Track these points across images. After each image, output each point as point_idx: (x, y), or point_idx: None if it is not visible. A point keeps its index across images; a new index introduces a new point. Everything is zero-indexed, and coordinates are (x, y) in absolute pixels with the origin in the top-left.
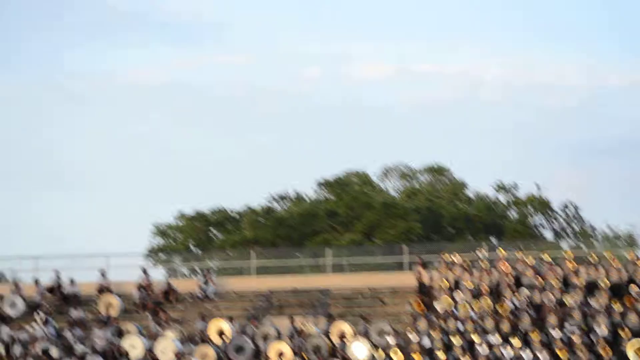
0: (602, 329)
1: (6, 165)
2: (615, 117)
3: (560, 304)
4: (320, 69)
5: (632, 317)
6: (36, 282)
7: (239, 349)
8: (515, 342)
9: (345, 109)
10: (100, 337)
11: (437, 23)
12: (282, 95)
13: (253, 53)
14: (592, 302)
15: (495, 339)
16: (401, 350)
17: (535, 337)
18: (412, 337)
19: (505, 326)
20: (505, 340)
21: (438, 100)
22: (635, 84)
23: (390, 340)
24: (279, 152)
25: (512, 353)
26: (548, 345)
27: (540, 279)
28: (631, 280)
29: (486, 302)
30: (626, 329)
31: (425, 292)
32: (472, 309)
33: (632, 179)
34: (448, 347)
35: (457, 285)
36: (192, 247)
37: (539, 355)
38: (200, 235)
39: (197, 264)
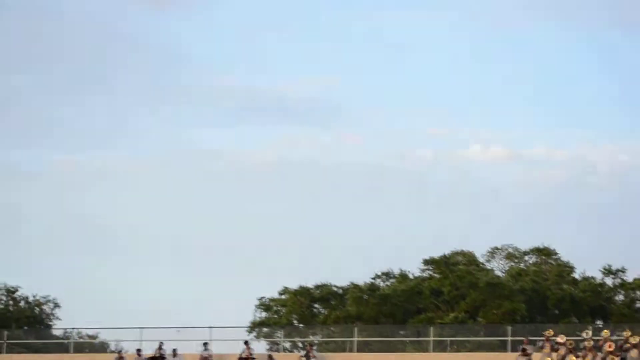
0: None
1: (119, 238)
2: None
3: None
4: (433, 149)
5: None
6: (138, 351)
7: None
8: None
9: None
10: None
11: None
12: (396, 174)
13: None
14: None
15: None
16: None
17: None
18: None
19: None
20: None
21: (548, 183)
22: None
23: None
24: (387, 230)
25: None
26: None
27: None
28: None
29: None
30: None
31: None
32: None
33: None
34: None
35: None
36: (295, 321)
37: None
38: (304, 310)
39: (298, 338)
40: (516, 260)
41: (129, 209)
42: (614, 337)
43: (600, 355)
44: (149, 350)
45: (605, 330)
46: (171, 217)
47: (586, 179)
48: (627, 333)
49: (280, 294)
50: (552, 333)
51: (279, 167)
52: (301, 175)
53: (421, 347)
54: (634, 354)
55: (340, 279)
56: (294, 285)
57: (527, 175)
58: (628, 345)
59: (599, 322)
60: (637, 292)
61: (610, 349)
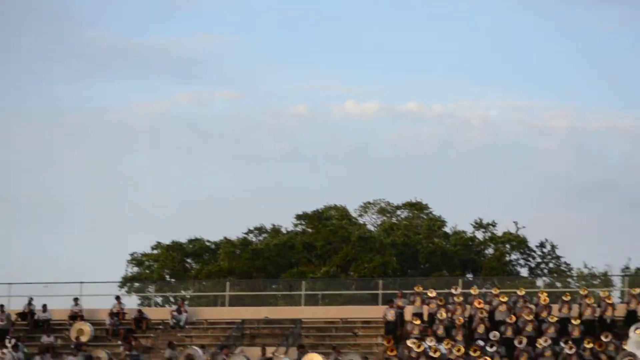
0: None
1: None
2: (595, 159)
3: (532, 341)
4: (308, 105)
5: (603, 358)
6: (1, 307)
7: None
8: None
9: (329, 145)
10: None
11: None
12: (268, 131)
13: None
14: (564, 339)
15: None
16: None
17: None
18: None
19: None
20: None
21: (421, 139)
22: (614, 126)
23: None
24: (260, 186)
25: None
26: None
27: (513, 315)
28: (602, 318)
29: (457, 346)
30: None
31: (394, 330)
32: (445, 350)
33: (610, 219)
34: None
35: (431, 319)
36: (167, 276)
37: None
38: (176, 265)
39: (170, 293)
40: (388, 215)
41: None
42: (484, 290)
43: (469, 309)
44: (19, 306)
45: (474, 287)
46: (42, 172)
47: (458, 135)
48: (495, 290)
49: (153, 248)
50: (420, 289)
51: (152, 123)
52: (175, 130)
53: (293, 301)
54: (503, 308)
55: (212, 234)
56: (166, 240)
57: (400, 131)
58: (497, 300)
59: (470, 276)
60: (507, 246)
61: (480, 306)
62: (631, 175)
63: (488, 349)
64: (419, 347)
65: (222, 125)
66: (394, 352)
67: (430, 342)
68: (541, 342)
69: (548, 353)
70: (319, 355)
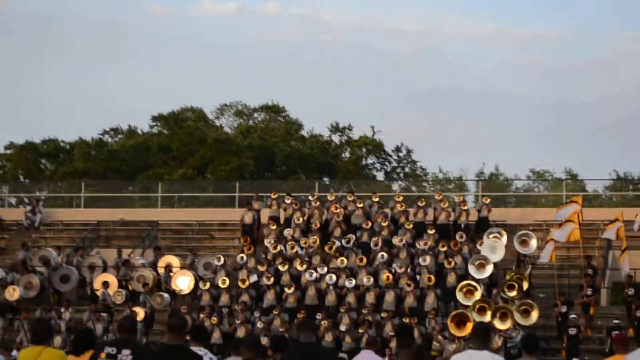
0: (426, 262)
1: None
2: (452, 64)
3: (388, 245)
4: (163, 6)
5: (457, 259)
6: None
7: (64, 278)
8: (342, 273)
9: (186, 45)
10: None
11: None
12: (124, 30)
13: None
14: (420, 242)
15: (321, 270)
16: (228, 279)
17: (362, 264)
18: (240, 272)
19: (333, 263)
20: (333, 273)
21: (278, 40)
22: (472, 33)
23: (218, 272)
24: (115, 86)
25: (336, 281)
26: (374, 275)
27: (369, 220)
28: (456, 222)
29: (313, 238)
30: (452, 262)
31: (251, 232)
32: (300, 247)
33: (465, 125)
34: (275, 279)
35: (287, 223)
36: (21, 177)
37: (364, 280)
38: (30, 165)
39: (25, 193)
40: (245, 117)
41: None
42: (340, 194)
43: (326, 213)
44: None
45: (331, 192)
46: None
47: (317, 37)
48: (350, 196)
49: (6, 148)
50: (276, 195)
51: (6, 19)
52: (32, 27)
53: (149, 203)
54: (359, 213)
55: (67, 134)
56: (20, 139)
57: (258, 32)
58: (353, 205)
59: (326, 179)
60: (363, 150)
61: (336, 210)
62: (483, 80)
63: (345, 244)
64: (275, 247)
65: (79, 23)
66: (251, 250)
67: (288, 234)
68: (396, 242)
69: (403, 254)
70: (175, 257)
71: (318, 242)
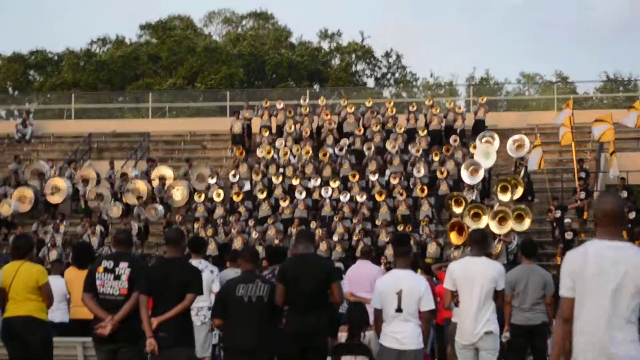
0: (420, 173)
1: None
2: None
3: (380, 151)
4: None
5: (449, 164)
6: None
7: (57, 190)
8: (335, 185)
9: None
10: None
11: None
12: None
13: None
14: (411, 148)
15: (315, 182)
16: (223, 192)
17: (354, 180)
18: (233, 179)
19: (326, 171)
20: (326, 184)
21: None
22: None
23: (212, 182)
24: None
25: (331, 194)
26: (367, 189)
27: (361, 126)
28: (450, 128)
29: (306, 148)
30: (444, 172)
31: (242, 141)
32: (293, 155)
33: (455, 30)
34: (269, 190)
35: (279, 131)
36: (9, 89)
37: (358, 198)
38: (18, 77)
39: (14, 106)
40: (234, 25)
41: None
42: (331, 101)
43: (317, 120)
44: None
45: (321, 98)
46: None
47: None
48: (343, 101)
49: None
50: (268, 103)
51: None
52: None
53: (140, 114)
54: (351, 120)
55: (55, 45)
56: (7, 51)
57: None
58: (345, 111)
59: (316, 87)
60: (352, 56)
61: (328, 117)
62: None
63: (337, 152)
64: (268, 152)
65: None
66: (243, 155)
67: (280, 145)
68: (389, 148)
69: (396, 161)
70: (169, 168)
71: (310, 152)
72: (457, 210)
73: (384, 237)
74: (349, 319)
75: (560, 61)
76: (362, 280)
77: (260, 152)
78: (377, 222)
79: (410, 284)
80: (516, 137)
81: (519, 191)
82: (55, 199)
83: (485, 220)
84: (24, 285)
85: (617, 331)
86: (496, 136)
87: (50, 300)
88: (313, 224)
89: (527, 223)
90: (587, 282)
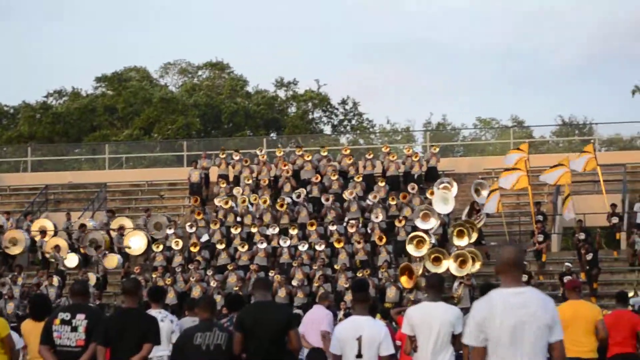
0: (378, 219)
1: None
2: (400, 15)
3: (339, 197)
4: None
5: (406, 211)
6: None
7: (14, 242)
8: (294, 232)
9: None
10: None
11: None
12: None
13: None
14: (369, 195)
15: (273, 230)
16: (181, 241)
17: (312, 229)
18: (190, 230)
19: (284, 219)
20: (284, 234)
21: None
22: None
23: (169, 232)
24: (57, 48)
25: (289, 243)
26: (326, 237)
27: (318, 174)
28: (408, 174)
29: (264, 197)
30: (402, 220)
31: (199, 191)
32: (251, 203)
33: (411, 76)
34: (227, 239)
35: (236, 180)
36: None
37: (316, 247)
38: None
39: None
40: (190, 75)
41: None
42: (288, 149)
43: (274, 169)
44: None
45: (278, 147)
46: None
47: None
48: (298, 150)
49: None
50: (225, 152)
51: None
52: None
53: (97, 165)
54: (308, 167)
55: (11, 98)
56: None
57: None
58: (301, 160)
59: (273, 135)
60: (309, 104)
61: (285, 167)
62: (432, 32)
63: (295, 199)
64: (226, 203)
65: None
66: (201, 216)
67: (237, 193)
68: (347, 196)
69: (354, 208)
70: (128, 219)
71: (268, 201)
72: (418, 253)
73: (343, 282)
74: None
75: (515, 105)
76: (311, 324)
77: (218, 202)
78: (337, 267)
79: (370, 330)
80: (477, 181)
81: (474, 236)
82: (13, 251)
83: (445, 265)
84: None
85: None
86: (454, 182)
87: (13, 352)
88: (271, 272)
89: (477, 266)
90: (497, 330)
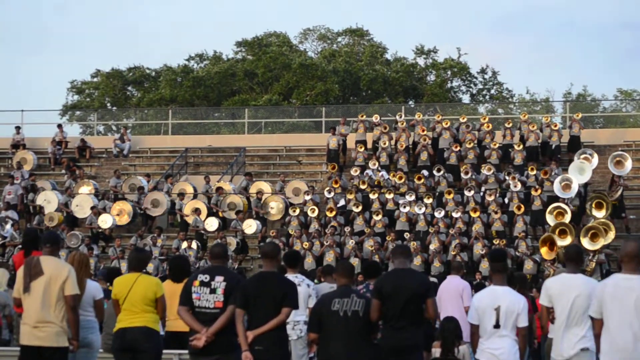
0: (517, 188)
1: None
2: None
3: (475, 168)
4: None
5: (546, 183)
6: None
7: (155, 204)
8: (429, 202)
9: None
10: (12, 191)
11: None
12: None
13: None
14: (507, 170)
15: (409, 197)
16: (317, 208)
17: (450, 197)
18: (329, 195)
19: (421, 190)
20: (420, 200)
21: None
22: None
23: (307, 198)
24: (199, 12)
25: (424, 211)
26: (463, 204)
27: (458, 143)
28: (545, 144)
29: (399, 173)
30: (539, 189)
31: (336, 157)
32: (387, 175)
33: (551, 45)
34: (364, 206)
35: (374, 146)
36: (108, 104)
37: (453, 214)
38: (117, 93)
39: (112, 121)
40: (329, 42)
41: None
42: (426, 117)
43: (413, 136)
44: None
45: (418, 113)
46: None
47: None
48: (438, 116)
49: (93, 76)
50: (364, 117)
51: None
52: None
53: (236, 130)
54: (446, 136)
55: (153, 62)
56: (106, 67)
57: None
58: (440, 127)
59: (411, 103)
60: (448, 72)
61: (423, 132)
62: (572, 1)
63: (435, 173)
64: (362, 173)
65: None
66: (338, 183)
67: (373, 166)
68: (484, 172)
69: (491, 180)
70: (266, 183)
71: (405, 177)
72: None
73: (479, 251)
74: (441, 334)
75: None
76: (447, 293)
77: (354, 172)
78: (473, 235)
79: (509, 301)
80: (616, 153)
81: (609, 207)
82: (154, 213)
83: (569, 239)
84: (142, 297)
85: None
86: (595, 154)
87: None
88: (407, 235)
89: (611, 236)
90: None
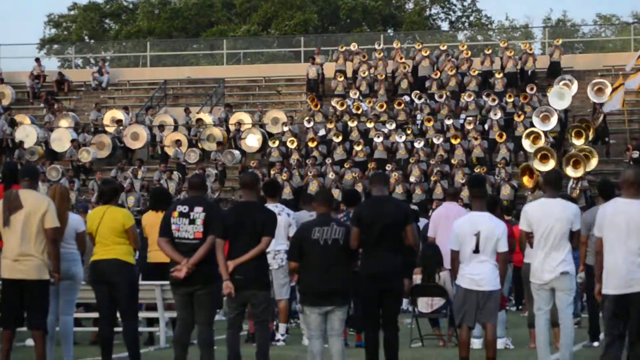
0: (497, 116)
1: None
2: None
3: (455, 94)
4: None
5: (527, 108)
6: None
7: (135, 137)
8: (410, 130)
9: None
10: None
11: None
12: None
13: None
14: (487, 92)
15: (390, 126)
16: (296, 139)
17: (430, 125)
18: (308, 125)
19: (401, 116)
20: (401, 129)
21: None
22: None
23: (285, 129)
24: None
25: (405, 139)
26: (442, 132)
27: (436, 69)
28: (522, 70)
29: (380, 102)
30: (521, 115)
31: (316, 87)
32: (366, 105)
33: None
34: (344, 135)
35: (353, 75)
36: (86, 37)
37: (434, 140)
38: (95, 26)
39: (90, 54)
40: None
41: None
42: (406, 45)
43: (392, 64)
44: None
45: (396, 41)
46: None
47: None
48: (417, 45)
49: (70, 9)
50: (344, 48)
51: None
52: None
53: (215, 61)
54: (425, 63)
55: None
56: (83, 0)
57: None
58: (420, 55)
59: (390, 31)
60: (426, 0)
61: (402, 60)
62: None
63: (416, 100)
64: (342, 104)
65: None
66: (318, 108)
67: (354, 95)
68: (465, 98)
69: (472, 106)
70: (246, 114)
71: (385, 106)
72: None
73: (460, 179)
74: (422, 261)
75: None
76: (445, 219)
77: (334, 103)
78: (454, 162)
79: (488, 226)
80: (596, 80)
81: (591, 134)
82: (134, 145)
83: (552, 163)
84: (111, 229)
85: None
86: (575, 81)
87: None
88: (389, 167)
89: (592, 164)
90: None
